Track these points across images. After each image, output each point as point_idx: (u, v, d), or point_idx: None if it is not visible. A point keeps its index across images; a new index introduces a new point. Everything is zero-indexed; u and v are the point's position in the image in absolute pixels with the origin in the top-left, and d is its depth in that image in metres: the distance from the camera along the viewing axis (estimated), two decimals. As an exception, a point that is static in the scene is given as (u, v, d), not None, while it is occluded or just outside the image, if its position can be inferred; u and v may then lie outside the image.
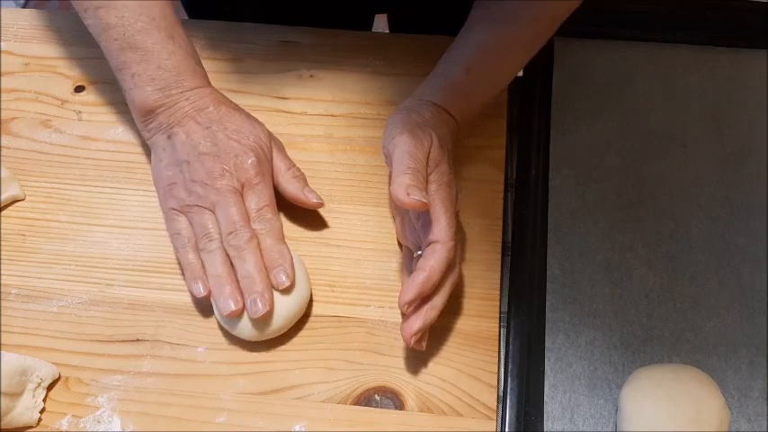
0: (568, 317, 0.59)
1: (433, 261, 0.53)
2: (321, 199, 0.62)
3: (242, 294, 0.56)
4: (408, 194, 0.52)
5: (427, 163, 0.55)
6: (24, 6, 1.88)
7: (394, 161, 0.54)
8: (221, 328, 0.58)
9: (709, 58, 0.72)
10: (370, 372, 0.57)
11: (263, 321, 0.56)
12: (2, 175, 0.64)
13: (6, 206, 0.64)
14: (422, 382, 0.56)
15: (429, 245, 0.53)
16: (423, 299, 0.53)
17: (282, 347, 0.58)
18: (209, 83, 0.63)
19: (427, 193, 0.53)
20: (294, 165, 0.63)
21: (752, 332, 0.58)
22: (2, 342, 0.58)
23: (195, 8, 0.87)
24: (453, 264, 0.55)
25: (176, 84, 0.60)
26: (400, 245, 0.61)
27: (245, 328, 0.56)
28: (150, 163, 0.63)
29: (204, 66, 0.64)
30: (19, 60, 0.73)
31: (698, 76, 0.72)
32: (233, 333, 0.57)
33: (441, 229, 0.53)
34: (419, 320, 0.53)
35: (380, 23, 0.98)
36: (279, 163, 0.62)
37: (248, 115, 0.63)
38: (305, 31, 0.74)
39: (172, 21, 0.61)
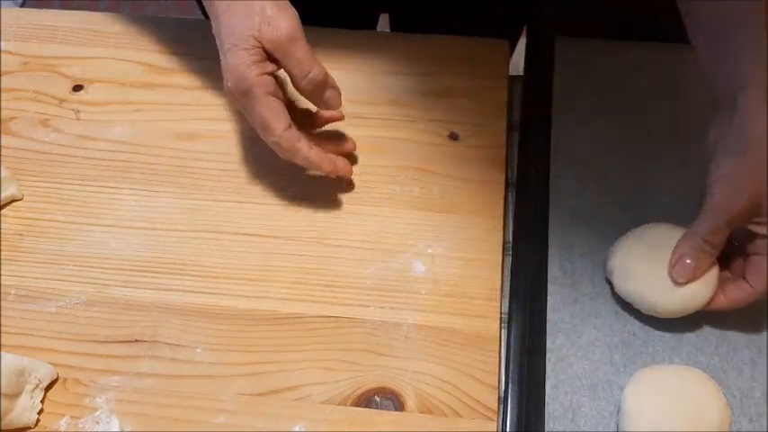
0: (569, 317, 0.59)
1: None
2: None
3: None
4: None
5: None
6: (23, 5, 1.87)
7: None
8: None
9: (710, 57, 0.72)
10: (369, 372, 0.56)
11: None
12: (0, 175, 0.63)
13: (4, 206, 0.64)
14: (422, 382, 0.56)
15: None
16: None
17: (281, 348, 0.57)
18: None
19: None
20: None
21: (753, 332, 0.58)
22: (0, 343, 0.58)
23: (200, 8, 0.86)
24: None
25: None
26: None
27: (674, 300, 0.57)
28: (150, 162, 0.62)
29: (207, 65, 0.63)
30: (18, 59, 0.73)
31: (698, 76, 0.71)
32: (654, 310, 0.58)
33: None
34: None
35: (382, 23, 0.97)
36: None
37: None
38: (305, 30, 0.74)
39: None
